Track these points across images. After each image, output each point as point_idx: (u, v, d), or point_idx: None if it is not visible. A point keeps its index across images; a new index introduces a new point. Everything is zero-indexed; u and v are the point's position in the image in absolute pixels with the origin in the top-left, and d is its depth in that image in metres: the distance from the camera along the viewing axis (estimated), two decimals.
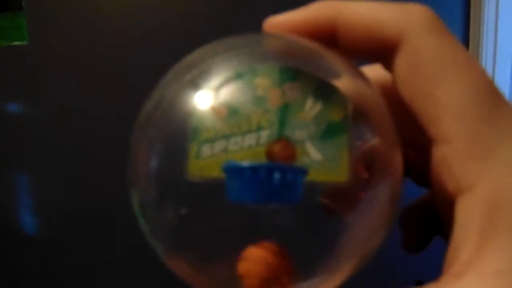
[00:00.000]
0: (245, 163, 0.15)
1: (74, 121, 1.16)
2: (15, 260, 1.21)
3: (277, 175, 0.15)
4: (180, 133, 0.15)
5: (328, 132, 0.15)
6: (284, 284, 0.15)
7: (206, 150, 0.15)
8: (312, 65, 0.17)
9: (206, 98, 0.15)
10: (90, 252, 1.21)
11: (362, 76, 0.17)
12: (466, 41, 1.23)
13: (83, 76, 1.14)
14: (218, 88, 0.15)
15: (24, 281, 1.22)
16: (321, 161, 0.15)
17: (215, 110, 0.15)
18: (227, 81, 0.16)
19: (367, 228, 0.16)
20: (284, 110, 0.15)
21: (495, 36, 1.20)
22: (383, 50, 0.16)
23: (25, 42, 1.10)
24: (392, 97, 0.16)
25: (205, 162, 0.15)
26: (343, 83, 0.16)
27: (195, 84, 0.16)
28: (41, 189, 1.20)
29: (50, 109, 1.15)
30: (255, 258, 0.15)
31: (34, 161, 1.17)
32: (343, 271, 0.16)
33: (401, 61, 0.15)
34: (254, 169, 0.15)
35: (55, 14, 1.11)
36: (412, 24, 0.15)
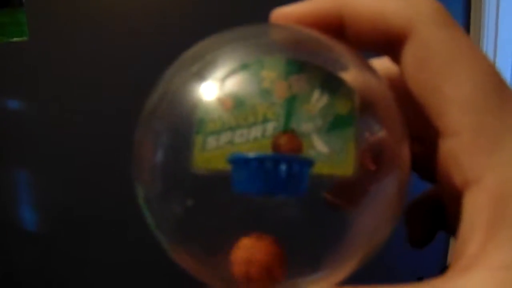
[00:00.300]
0: (251, 153, 0.15)
1: (74, 118, 1.15)
2: (14, 256, 1.21)
3: (283, 166, 0.14)
4: (185, 125, 0.15)
5: (334, 125, 0.15)
6: (274, 277, 0.15)
7: (211, 142, 0.15)
8: (320, 57, 0.17)
9: (212, 90, 0.15)
10: (89, 248, 1.21)
11: (370, 68, 0.17)
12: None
13: (83, 73, 1.14)
14: (224, 80, 0.15)
15: (23, 277, 1.22)
16: (328, 154, 0.15)
17: (221, 102, 0.15)
18: (233, 73, 0.15)
19: (374, 222, 0.16)
20: (291, 103, 0.15)
21: (496, 32, 1.20)
22: (390, 43, 0.16)
23: (25, 38, 1.10)
24: (399, 90, 0.16)
25: (210, 154, 0.15)
26: (351, 75, 0.16)
27: (200, 76, 0.16)
28: (40, 186, 1.21)
29: (49, 106, 1.15)
30: (246, 246, 0.15)
31: (33, 158, 1.17)
32: (349, 265, 0.16)
33: (408, 54, 0.15)
34: (260, 160, 0.14)
35: (55, 10, 1.11)
36: (419, 16, 0.15)
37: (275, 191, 0.15)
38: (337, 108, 0.15)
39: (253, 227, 0.16)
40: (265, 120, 0.15)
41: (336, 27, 0.17)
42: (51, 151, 1.16)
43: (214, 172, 0.15)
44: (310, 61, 0.16)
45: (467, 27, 1.23)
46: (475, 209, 0.14)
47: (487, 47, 1.20)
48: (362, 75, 0.16)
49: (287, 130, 0.15)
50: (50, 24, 1.11)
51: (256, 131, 0.15)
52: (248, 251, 0.15)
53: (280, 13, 0.17)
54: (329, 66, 0.16)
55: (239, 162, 0.15)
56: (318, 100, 0.15)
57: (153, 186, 0.16)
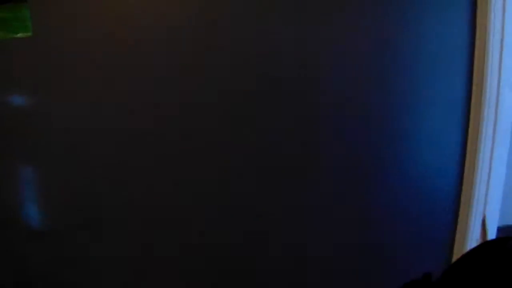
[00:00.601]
0: None
1: (78, 114, 1.15)
2: (17, 253, 1.21)
3: None
4: None
5: None
6: None
7: None
8: None
9: None
10: (94, 245, 1.22)
11: None
12: (472, 35, 1.22)
13: (86, 69, 1.14)
14: None
15: (30, 274, 1.22)
16: None
17: None
18: None
19: None
20: None
21: (502, 33, 1.19)
22: None
23: (29, 34, 1.10)
24: None
25: None
26: None
27: None
28: (44, 183, 1.20)
29: (52, 102, 1.15)
30: None
31: (37, 154, 1.17)
32: None
33: None
34: None
35: (58, 6, 1.11)
36: None
37: None
38: None
39: None
40: None
41: None
42: (55, 147, 1.16)
43: None
44: None
45: (473, 28, 1.22)
46: None
47: (493, 48, 1.19)
48: None
49: None
50: (53, 19, 1.11)
51: None
52: None
53: None
54: None
55: None
56: None
57: None
